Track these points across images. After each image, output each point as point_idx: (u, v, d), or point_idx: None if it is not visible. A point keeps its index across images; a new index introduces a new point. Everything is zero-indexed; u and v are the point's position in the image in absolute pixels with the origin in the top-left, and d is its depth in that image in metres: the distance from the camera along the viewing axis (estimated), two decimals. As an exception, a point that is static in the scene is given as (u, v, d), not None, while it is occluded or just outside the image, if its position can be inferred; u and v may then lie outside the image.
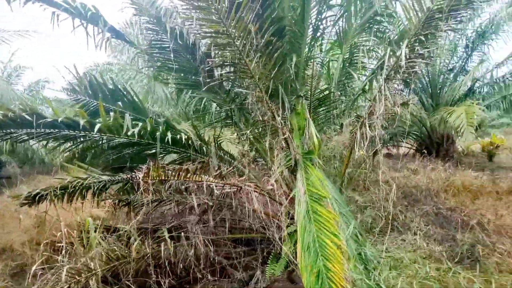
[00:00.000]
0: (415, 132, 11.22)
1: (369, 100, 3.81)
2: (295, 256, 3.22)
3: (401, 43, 3.82)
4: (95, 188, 3.44)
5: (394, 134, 9.76)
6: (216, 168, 3.44)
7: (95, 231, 3.29)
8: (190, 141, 3.48)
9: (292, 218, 3.77)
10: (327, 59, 4.66)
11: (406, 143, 11.55)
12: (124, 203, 3.90)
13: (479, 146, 12.93)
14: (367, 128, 3.60)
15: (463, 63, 10.79)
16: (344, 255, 2.73)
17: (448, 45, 10.55)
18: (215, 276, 3.70)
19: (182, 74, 4.04)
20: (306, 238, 2.99)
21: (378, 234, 3.91)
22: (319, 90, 4.05)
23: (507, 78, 10.37)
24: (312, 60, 4.21)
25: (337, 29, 4.61)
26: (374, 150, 4.43)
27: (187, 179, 3.16)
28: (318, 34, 4.46)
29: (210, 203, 3.55)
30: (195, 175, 3.17)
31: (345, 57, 4.63)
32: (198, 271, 3.54)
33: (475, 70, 10.22)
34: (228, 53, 3.28)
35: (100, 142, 3.66)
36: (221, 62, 3.46)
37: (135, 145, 3.60)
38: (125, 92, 4.17)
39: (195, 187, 3.40)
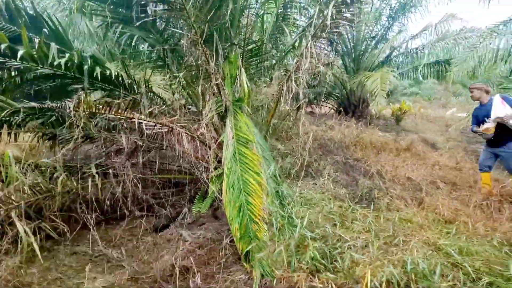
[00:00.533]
0: (337, 94, 12.04)
1: (297, 56, 4.08)
2: (221, 195, 3.52)
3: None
4: (14, 121, 3.26)
5: (318, 94, 10.36)
6: (148, 108, 3.47)
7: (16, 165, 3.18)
8: (120, 78, 3.43)
9: (220, 162, 4.03)
10: (262, 12, 4.75)
11: (328, 103, 12.37)
12: (48, 137, 3.75)
13: (390, 111, 14.34)
14: (293, 82, 3.88)
15: (385, 32, 11.60)
16: (264, 192, 3.09)
17: (373, 13, 11.20)
18: (142, 213, 3.87)
19: (112, 7, 3.82)
20: (231, 177, 3.28)
21: (294, 177, 4.37)
22: (252, 41, 4.18)
23: (419, 50, 11.44)
24: (247, 9, 4.29)
25: (272, -19, 4.70)
26: (298, 105, 4.81)
27: (118, 114, 3.17)
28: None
29: (140, 143, 3.61)
30: (126, 112, 3.19)
31: (279, 11, 4.78)
32: (125, 208, 3.66)
33: (393, 39, 11.09)
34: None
35: (20, 72, 3.40)
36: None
37: (60, 77, 3.42)
38: (48, 21, 3.85)
39: (124, 125, 3.44)
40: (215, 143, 3.75)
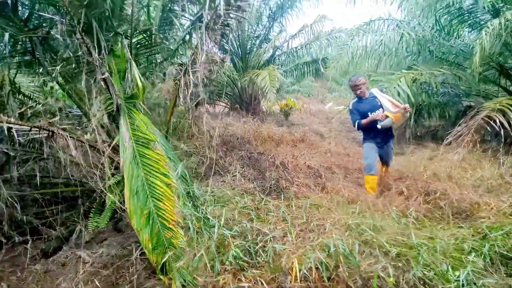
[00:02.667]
0: (229, 93, 12.13)
1: (192, 48, 3.86)
2: (123, 205, 3.10)
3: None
4: None
5: (211, 93, 10.26)
6: (18, 109, 2.83)
7: None
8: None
9: (117, 168, 3.57)
10: (146, 1, 4.36)
11: (221, 101, 12.39)
12: None
13: (278, 107, 15.11)
14: (191, 75, 3.66)
15: (267, 32, 12.11)
16: (175, 194, 2.80)
17: (255, 13, 11.58)
18: (25, 237, 3.18)
19: None
20: (134, 183, 2.90)
21: (202, 177, 4.16)
22: (140, 31, 3.79)
23: (299, 49, 12.27)
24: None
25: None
26: (197, 101, 4.59)
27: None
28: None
29: (12, 154, 2.95)
30: None
31: (165, 1, 4.46)
32: (1, 234, 2.96)
33: (275, 39, 11.66)
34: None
35: None
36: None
37: None
38: None
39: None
40: (108, 147, 3.29)
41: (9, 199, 2.90)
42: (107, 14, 3.39)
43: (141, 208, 2.78)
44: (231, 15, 3.90)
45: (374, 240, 2.71)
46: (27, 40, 3.41)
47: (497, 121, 4.85)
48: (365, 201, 3.70)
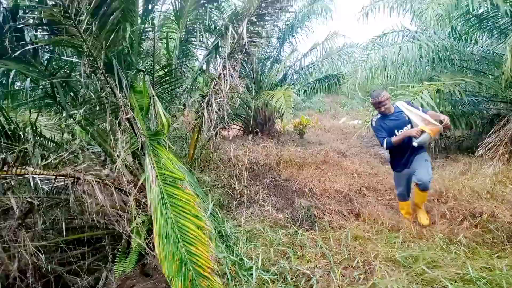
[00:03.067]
0: (242, 115, 12.05)
1: (213, 79, 3.74)
2: (150, 247, 2.94)
3: (238, 22, 3.89)
4: None
5: (223, 117, 10.16)
6: (42, 158, 2.71)
7: None
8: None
9: (140, 207, 3.41)
10: (165, 34, 4.31)
11: (235, 124, 12.31)
12: None
13: (292, 126, 14.95)
14: (214, 106, 3.55)
15: (277, 53, 12.10)
16: (206, 237, 2.62)
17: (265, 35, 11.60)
18: (49, 288, 3.02)
19: None
20: (163, 226, 2.73)
21: (228, 209, 3.98)
22: (162, 66, 3.71)
23: (310, 67, 12.21)
24: (148, 33, 3.82)
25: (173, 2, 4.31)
26: (216, 130, 4.46)
27: (4, 172, 2.36)
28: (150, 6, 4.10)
29: (36, 202, 2.82)
30: (15, 168, 2.40)
31: (182, 34, 4.41)
32: (25, 286, 2.81)
33: (287, 59, 11.66)
34: (47, 11, 2.57)
35: None
36: (38, 21, 2.66)
37: None
38: None
39: (12, 183, 2.64)
40: (134, 188, 3.15)
41: (34, 249, 2.75)
42: (126, 51, 3.33)
43: (172, 254, 2.60)
44: (253, 42, 3.80)
45: (427, 274, 2.47)
46: (48, 83, 3.34)
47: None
48: (407, 229, 3.45)
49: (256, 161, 5.45)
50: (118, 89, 3.02)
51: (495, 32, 7.27)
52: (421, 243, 3.16)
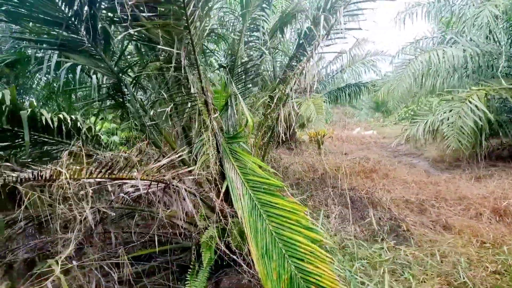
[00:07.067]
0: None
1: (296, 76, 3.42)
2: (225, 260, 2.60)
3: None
4: None
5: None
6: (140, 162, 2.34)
7: None
8: (77, 127, 2.30)
9: (205, 219, 3.05)
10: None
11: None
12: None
13: (307, 136, 14.63)
14: (293, 105, 3.23)
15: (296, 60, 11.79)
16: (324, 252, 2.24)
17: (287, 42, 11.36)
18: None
19: (41, 25, 2.64)
20: (260, 239, 2.38)
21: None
22: (244, 61, 3.36)
23: (334, 75, 11.95)
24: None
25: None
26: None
27: (113, 177, 1.99)
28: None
29: (112, 213, 2.46)
30: (121, 172, 2.02)
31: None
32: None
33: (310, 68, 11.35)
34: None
35: None
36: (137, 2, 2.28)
37: None
38: None
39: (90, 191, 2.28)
40: (217, 196, 2.79)
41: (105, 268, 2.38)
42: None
43: (277, 272, 2.24)
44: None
45: None
46: (114, 82, 3.01)
47: None
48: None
49: (315, 169, 5.08)
50: (202, 84, 2.68)
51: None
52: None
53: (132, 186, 2.09)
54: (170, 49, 2.25)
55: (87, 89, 3.14)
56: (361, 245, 2.98)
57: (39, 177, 1.67)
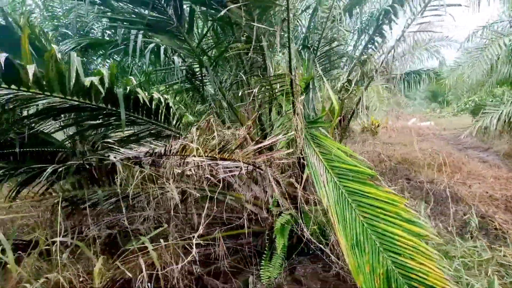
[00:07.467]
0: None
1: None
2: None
3: None
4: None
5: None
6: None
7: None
8: (170, 107, 2.28)
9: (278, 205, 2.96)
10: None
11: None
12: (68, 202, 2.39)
13: (360, 126, 14.16)
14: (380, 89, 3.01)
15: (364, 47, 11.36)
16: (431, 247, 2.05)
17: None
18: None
19: (127, 5, 2.65)
20: (350, 230, 2.25)
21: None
22: (327, 41, 3.21)
23: (394, 62, 11.33)
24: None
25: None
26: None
27: (223, 157, 1.94)
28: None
29: (196, 194, 2.44)
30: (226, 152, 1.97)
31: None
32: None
33: (371, 55, 10.87)
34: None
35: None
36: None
37: (76, 110, 2.16)
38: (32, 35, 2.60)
39: (177, 172, 2.25)
40: (299, 181, 2.68)
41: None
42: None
43: (371, 265, 2.10)
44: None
45: None
46: (190, 65, 2.97)
47: None
48: None
49: (381, 160, 4.84)
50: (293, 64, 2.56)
51: None
52: None
53: (226, 168, 2.03)
54: (267, 27, 2.14)
55: (164, 71, 3.13)
56: (452, 242, 2.75)
57: (168, 152, 1.64)
